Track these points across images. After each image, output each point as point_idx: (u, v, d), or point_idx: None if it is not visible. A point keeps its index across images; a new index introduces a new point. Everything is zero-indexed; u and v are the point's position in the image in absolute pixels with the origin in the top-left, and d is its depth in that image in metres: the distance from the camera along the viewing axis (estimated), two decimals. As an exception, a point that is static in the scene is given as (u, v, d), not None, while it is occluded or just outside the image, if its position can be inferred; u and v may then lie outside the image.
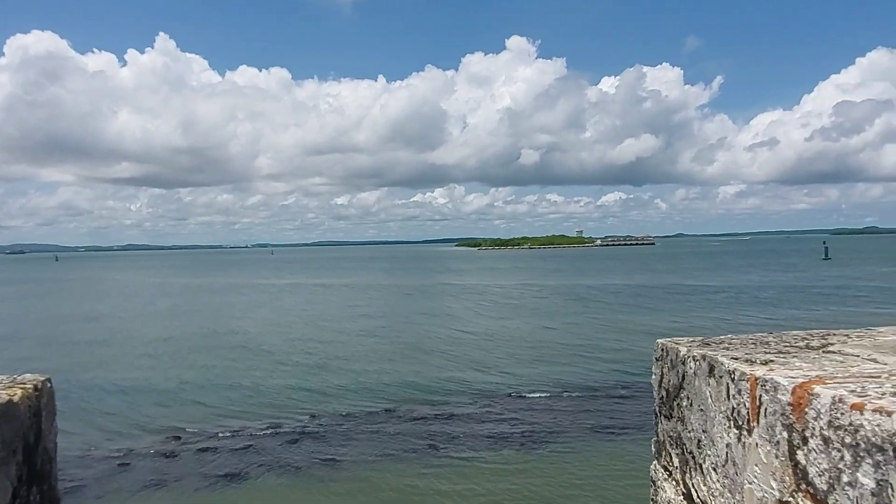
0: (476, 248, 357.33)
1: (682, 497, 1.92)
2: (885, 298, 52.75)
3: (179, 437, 20.24)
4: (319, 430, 20.61)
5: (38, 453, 1.60)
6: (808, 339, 1.89)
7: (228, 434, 20.50)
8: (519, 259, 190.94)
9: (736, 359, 1.59)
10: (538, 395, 24.34)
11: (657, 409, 2.16)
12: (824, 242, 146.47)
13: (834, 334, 1.99)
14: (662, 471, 2.11)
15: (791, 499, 1.24)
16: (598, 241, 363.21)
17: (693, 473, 1.80)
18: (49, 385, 1.81)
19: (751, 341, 1.92)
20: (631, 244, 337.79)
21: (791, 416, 1.25)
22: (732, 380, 1.53)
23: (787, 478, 1.26)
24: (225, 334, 42.34)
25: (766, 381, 1.34)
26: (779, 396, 1.29)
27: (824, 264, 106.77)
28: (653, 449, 2.21)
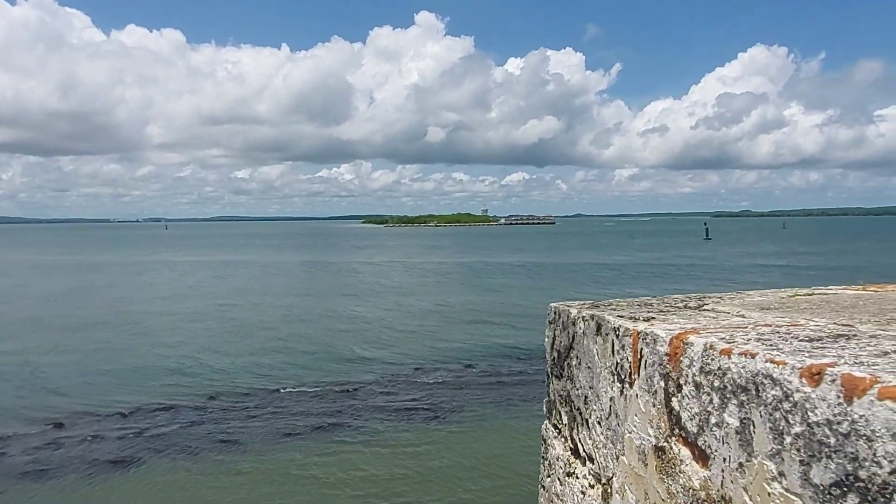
0: (383, 226, 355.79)
1: (569, 452, 2.00)
2: (756, 272, 58.47)
3: (62, 425, 18.89)
4: (218, 412, 19.91)
5: None
6: (686, 301, 2.01)
7: (117, 419, 19.37)
8: (426, 237, 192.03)
9: (621, 317, 1.66)
10: (443, 370, 24.70)
11: (549, 370, 2.22)
12: (705, 224, 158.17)
13: (709, 297, 2.13)
14: (552, 429, 2.18)
15: (666, 444, 1.32)
16: (503, 220, 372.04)
17: (580, 429, 1.88)
18: None
19: (636, 303, 2.01)
20: (533, 223, 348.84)
21: (668, 366, 1.32)
22: (617, 336, 1.60)
23: (663, 424, 1.33)
24: (112, 315, 39.72)
25: (647, 335, 1.41)
26: (657, 348, 1.36)
27: (705, 244, 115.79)
28: (544, 409, 2.28)
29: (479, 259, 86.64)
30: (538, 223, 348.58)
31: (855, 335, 1.22)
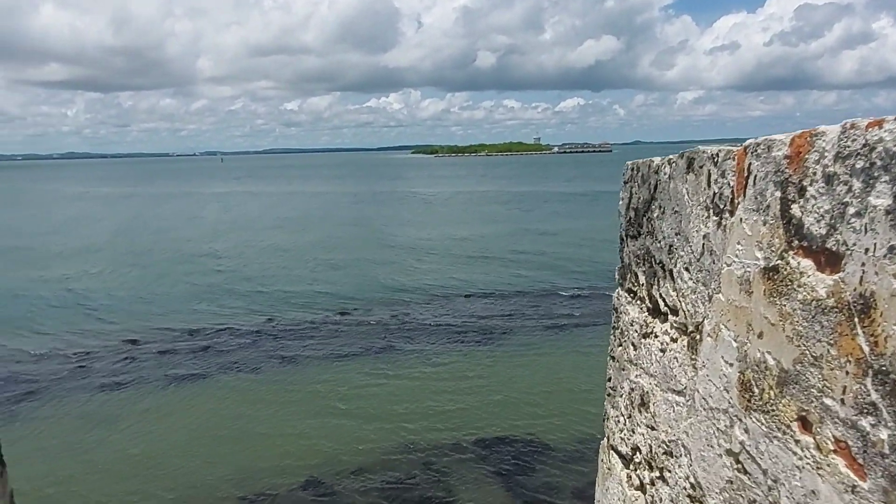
0: (432, 156, 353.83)
1: (647, 313, 1.85)
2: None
3: (136, 341, 20.04)
4: (277, 333, 20.68)
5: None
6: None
7: (185, 337, 20.41)
8: (476, 166, 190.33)
9: (720, 146, 1.46)
10: (494, 296, 24.80)
11: (623, 234, 2.06)
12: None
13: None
14: (626, 295, 2.04)
15: (780, 261, 1.15)
16: (556, 149, 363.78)
17: (661, 283, 1.72)
18: None
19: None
20: (589, 151, 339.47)
21: (786, 171, 1.13)
22: (715, 163, 1.41)
23: (777, 240, 1.16)
24: (179, 243, 41.40)
25: (759, 145, 1.22)
26: (773, 154, 1.17)
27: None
28: (616, 276, 2.14)
29: (531, 188, 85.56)
30: (594, 151, 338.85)
31: None
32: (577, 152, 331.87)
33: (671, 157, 1.68)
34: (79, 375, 17.01)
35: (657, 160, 1.79)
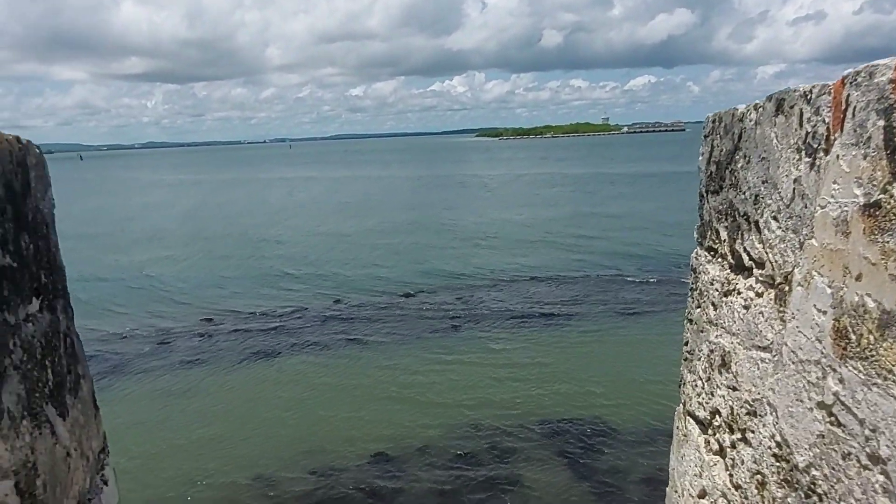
0: (497, 138, 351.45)
1: (728, 270, 1.77)
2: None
3: (212, 320, 21.03)
4: (343, 315, 21.20)
5: (26, 206, 1.50)
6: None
7: (258, 317, 21.23)
8: (541, 148, 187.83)
9: (813, 83, 1.37)
10: (558, 281, 24.51)
11: (703, 190, 1.97)
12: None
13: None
14: (706, 254, 1.96)
15: (883, 195, 1.07)
16: (625, 129, 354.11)
17: (746, 236, 1.64)
18: (39, 152, 1.70)
19: None
20: (660, 130, 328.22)
21: (891, 97, 1.04)
22: (808, 101, 1.32)
23: (879, 173, 1.07)
24: (249, 227, 43.01)
25: (859, 73, 1.13)
26: (875, 80, 1.08)
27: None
28: (695, 236, 2.05)
29: (597, 170, 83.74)
30: (666, 130, 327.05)
31: None
32: (647, 132, 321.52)
33: (757, 101, 1.59)
34: (160, 353, 18.01)
35: (741, 107, 1.70)
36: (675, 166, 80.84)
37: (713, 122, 1.90)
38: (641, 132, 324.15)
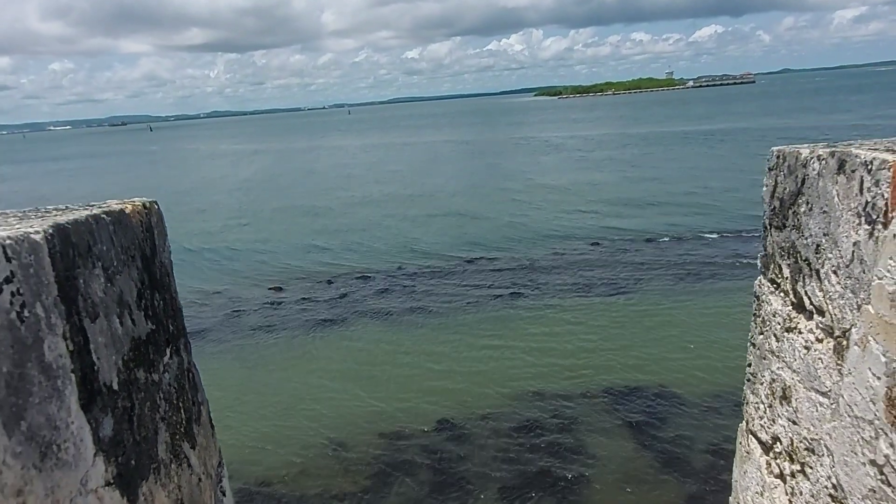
0: (556, 97, 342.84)
1: (790, 307, 1.84)
2: None
3: (281, 289, 21.91)
4: (407, 281, 21.68)
5: (154, 265, 1.69)
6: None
7: (324, 285, 21.97)
8: (602, 107, 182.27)
9: (874, 150, 1.41)
10: (621, 243, 24.18)
11: (767, 221, 2.02)
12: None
13: None
14: (769, 284, 2.02)
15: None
16: (691, 83, 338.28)
17: (807, 281, 1.70)
18: (157, 207, 1.89)
19: (887, 141, 1.70)
20: (728, 83, 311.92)
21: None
22: (869, 171, 1.37)
23: (935, 262, 1.14)
24: (313, 195, 44.05)
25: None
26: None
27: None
28: (759, 264, 2.11)
29: (661, 128, 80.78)
30: (735, 83, 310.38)
31: None
32: (715, 85, 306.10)
33: (821, 151, 1.63)
34: (233, 319, 18.99)
35: (805, 152, 1.73)
36: (747, 121, 77.04)
37: (777, 157, 1.93)
38: (709, 85, 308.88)
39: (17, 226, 1.00)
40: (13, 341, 0.77)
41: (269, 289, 22.04)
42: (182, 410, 1.68)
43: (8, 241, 0.82)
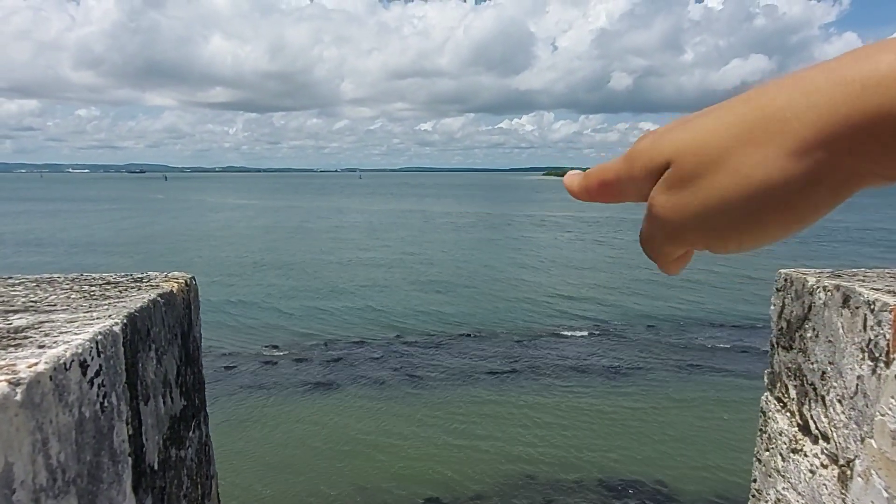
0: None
1: (796, 428, 1.89)
2: None
3: (277, 346, 21.75)
4: (403, 349, 21.54)
5: (190, 340, 1.76)
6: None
7: (320, 347, 21.82)
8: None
9: (877, 290, 1.51)
10: (626, 328, 24.10)
11: (774, 340, 2.10)
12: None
13: None
14: (775, 402, 2.07)
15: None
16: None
17: (813, 405, 1.76)
18: (195, 281, 1.97)
19: (889, 275, 1.81)
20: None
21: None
22: (871, 311, 1.46)
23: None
24: (317, 255, 44.37)
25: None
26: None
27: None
28: (765, 380, 2.17)
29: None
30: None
31: None
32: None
33: (826, 282, 1.72)
34: (227, 376, 18.75)
35: (811, 279, 1.83)
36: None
37: (785, 279, 2.03)
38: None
39: (93, 313, 1.09)
40: (95, 431, 0.84)
41: (265, 346, 21.88)
42: (199, 486, 1.71)
43: (99, 338, 0.91)
